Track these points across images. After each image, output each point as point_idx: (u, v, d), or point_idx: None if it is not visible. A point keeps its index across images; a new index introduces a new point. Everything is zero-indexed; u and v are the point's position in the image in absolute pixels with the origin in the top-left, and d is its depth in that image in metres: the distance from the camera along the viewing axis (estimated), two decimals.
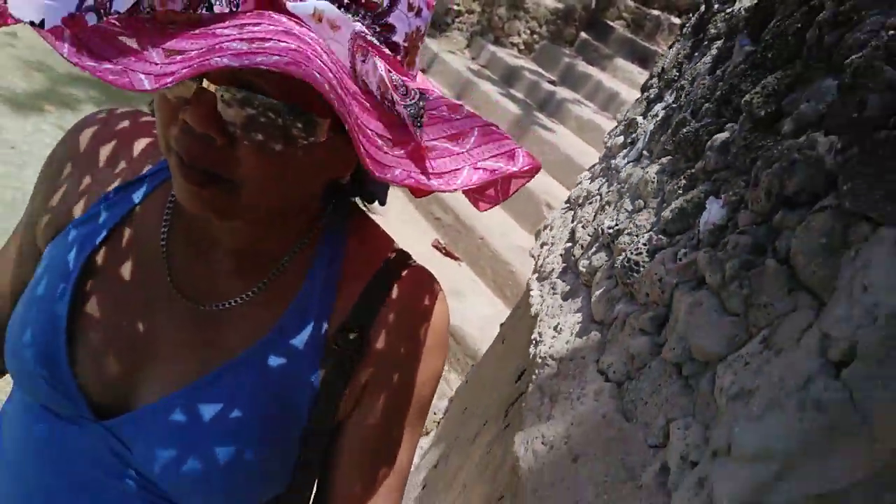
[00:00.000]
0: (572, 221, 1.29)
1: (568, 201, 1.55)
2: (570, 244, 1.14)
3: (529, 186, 3.51)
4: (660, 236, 0.73)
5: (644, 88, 1.42)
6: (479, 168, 0.49)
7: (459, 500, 1.11)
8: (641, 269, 0.72)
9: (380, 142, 0.46)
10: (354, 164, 0.58)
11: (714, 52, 0.95)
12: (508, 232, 3.39)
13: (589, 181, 1.41)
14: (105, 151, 0.68)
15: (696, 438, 0.56)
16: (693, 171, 0.76)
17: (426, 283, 0.65)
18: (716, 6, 1.17)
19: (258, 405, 0.59)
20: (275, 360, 0.60)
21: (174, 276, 0.63)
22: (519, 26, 5.72)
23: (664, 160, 0.90)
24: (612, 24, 6.14)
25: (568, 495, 0.70)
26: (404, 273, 0.64)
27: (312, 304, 0.61)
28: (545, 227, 1.59)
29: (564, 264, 1.11)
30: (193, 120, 0.48)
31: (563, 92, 4.87)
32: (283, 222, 0.62)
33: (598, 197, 1.15)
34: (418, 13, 0.52)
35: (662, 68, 1.31)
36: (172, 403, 0.59)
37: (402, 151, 0.47)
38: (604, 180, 1.25)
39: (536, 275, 1.30)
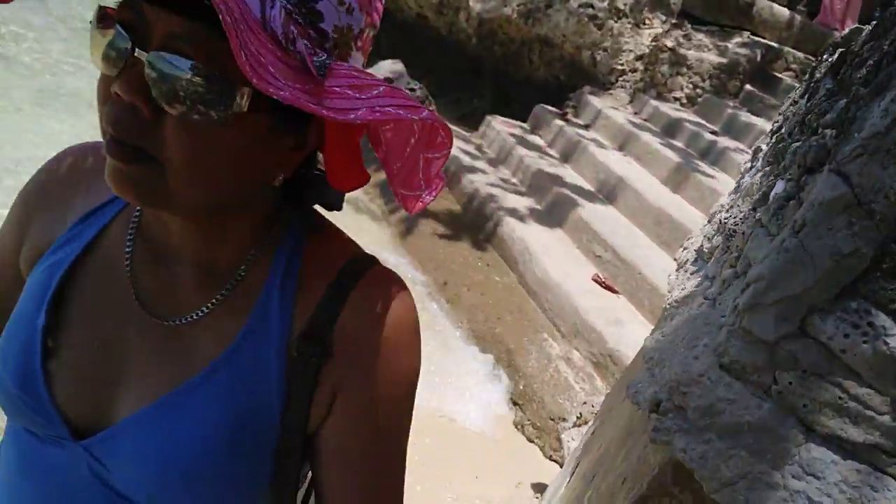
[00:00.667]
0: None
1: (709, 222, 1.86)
2: (700, 241, 1.46)
3: (687, 222, 3.74)
4: (749, 211, 1.06)
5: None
6: (377, 110, 0.49)
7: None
8: (735, 233, 1.05)
9: (271, 69, 0.46)
10: (292, 166, 0.59)
11: (809, 88, 1.27)
12: (667, 267, 3.63)
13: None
14: (83, 180, 0.69)
15: (738, 292, 0.89)
16: (778, 170, 1.09)
17: (385, 283, 0.64)
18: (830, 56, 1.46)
19: (227, 415, 0.59)
20: (240, 370, 0.60)
21: (139, 293, 0.64)
22: (681, 81, 5.97)
23: (766, 168, 1.22)
24: (779, 75, 6.18)
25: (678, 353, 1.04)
26: (363, 276, 0.63)
27: (272, 313, 0.61)
28: (682, 248, 1.91)
29: (695, 256, 1.44)
30: (121, 88, 0.49)
31: (724, 141, 5.02)
32: (230, 227, 0.62)
33: (724, 205, 1.47)
34: (349, 10, 0.53)
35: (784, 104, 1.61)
36: (141, 420, 0.60)
37: (297, 85, 0.47)
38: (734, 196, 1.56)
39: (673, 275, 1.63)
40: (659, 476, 0.87)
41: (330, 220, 0.70)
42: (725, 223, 1.24)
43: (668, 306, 1.33)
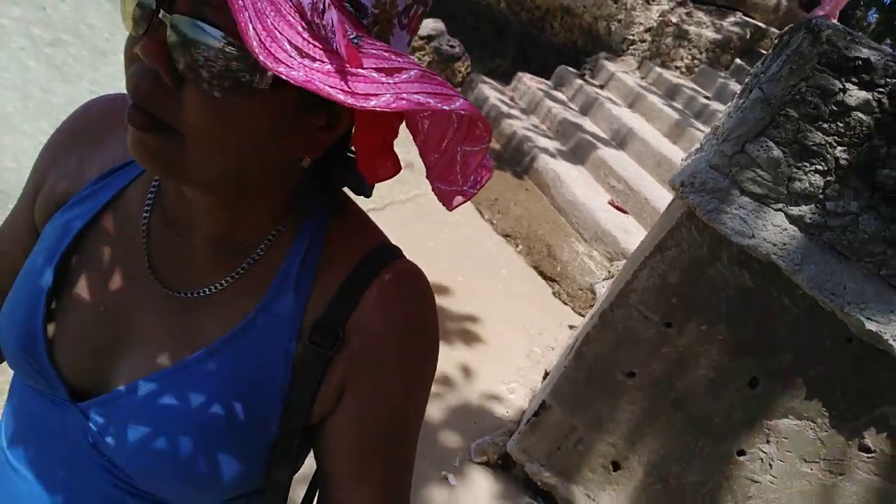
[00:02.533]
0: None
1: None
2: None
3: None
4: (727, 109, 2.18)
5: None
6: (403, 98, 0.44)
7: None
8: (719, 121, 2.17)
9: (287, 44, 0.42)
10: (322, 146, 0.57)
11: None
12: (665, 197, 4.76)
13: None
14: (107, 133, 0.67)
15: (715, 139, 2.00)
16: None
17: (410, 280, 0.63)
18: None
19: (227, 396, 0.58)
20: (246, 352, 0.59)
21: (153, 262, 0.62)
22: (682, 53, 7.03)
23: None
24: (764, 52, 7.25)
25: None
26: (387, 268, 0.62)
27: (287, 297, 0.60)
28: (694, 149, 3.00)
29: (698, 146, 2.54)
30: (142, 50, 0.46)
31: (716, 105, 6.11)
32: (252, 204, 0.60)
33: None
34: None
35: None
36: (141, 389, 0.58)
37: (316, 65, 0.42)
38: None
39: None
40: (677, 222, 1.97)
41: (359, 205, 0.68)
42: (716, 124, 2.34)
43: (683, 159, 2.45)
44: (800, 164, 1.78)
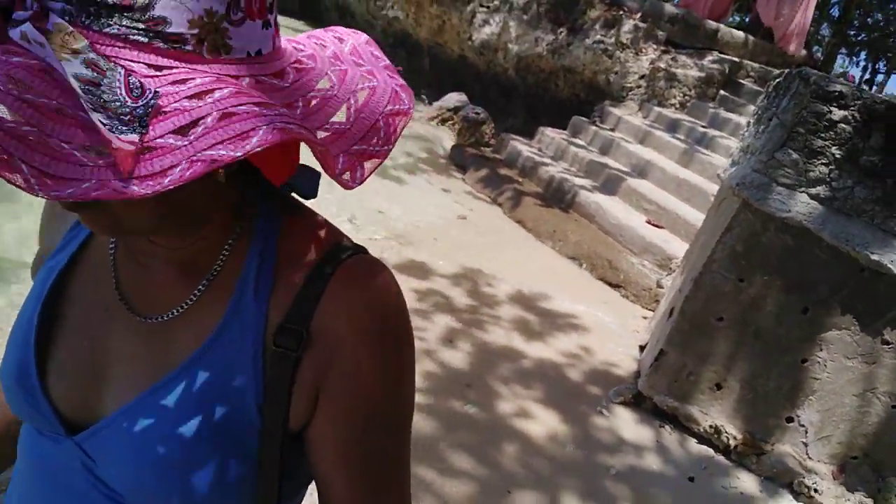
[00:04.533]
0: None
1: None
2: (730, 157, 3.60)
3: (699, 184, 5.91)
4: (751, 132, 3.20)
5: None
6: (197, 161, 0.44)
7: None
8: (746, 143, 3.18)
9: (77, 153, 0.43)
10: (223, 173, 0.57)
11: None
12: (690, 212, 5.81)
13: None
14: None
15: (750, 151, 3.01)
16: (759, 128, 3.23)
17: (366, 271, 0.63)
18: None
19: (203, 411, 0.59)
20: (217, 365, 0.60)
21: (122, 292, 0.65)
22: (675, 92, 8.21)
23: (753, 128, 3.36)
24: (742, 81, 8.45)
25: None
26: (344, 263, 0.62)
27: (248, 306, 0.61)
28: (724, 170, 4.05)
29: (731, 161, 3.57)
30: None
31: (711, 132, 7.24)
32: (197, 228, 0.61)
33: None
34: None
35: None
36: (123, 416, 0.60)
37: (110, 159, 0.43)
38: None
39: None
40: (737, 210, 2.95)
41: (307, 205, 0.69)
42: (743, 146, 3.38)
43: (719, 174, 3.46)
44: (811, 161, 2.82)
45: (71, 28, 0.43)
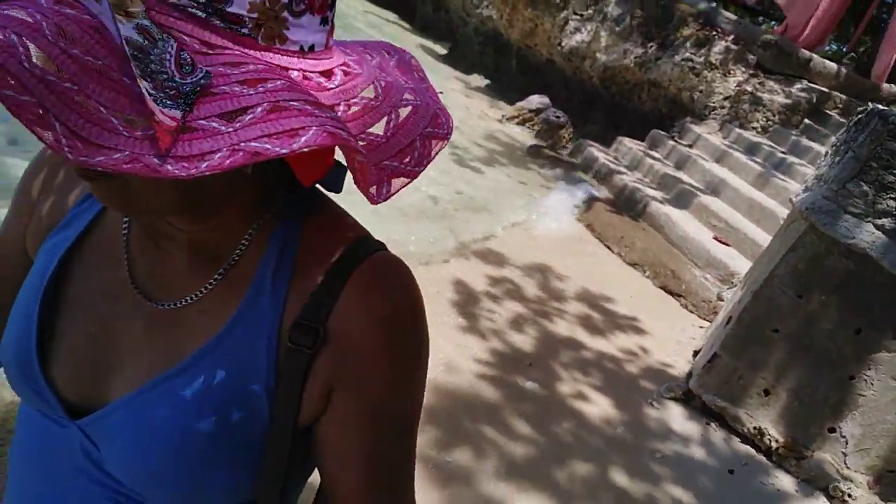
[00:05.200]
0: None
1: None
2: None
3: (771, 208, 6.05)
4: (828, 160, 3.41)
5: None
6: (239, 150, 0.42)
7: None
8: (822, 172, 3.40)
9: (115, 120, 0.41)
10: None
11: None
12: (758, 232, 5.95)
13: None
14: None
15: (822, 180, 3.22)
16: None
17: (387, 271, 0.62)
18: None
19: (213, 402, 0.58)
20: (229, 357, 0.59)
21: (134, 276, 0.64)
22: (758, 115, 8.28)
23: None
24: (829, 112, 8.44)
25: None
26: (364, 261, 0.61)
27: (265, 299, 0.60)
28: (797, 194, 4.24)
29: (805, 187, 3.77)
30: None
31: (791, 158, 7.31)
32: (217, 214, 0.60)
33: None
34: None
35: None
36: (128, 403, 0.60)
37: (148, 132, 0.42)
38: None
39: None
40: (803, 232, 3.17)
41: (333, 200, 0.67)
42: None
43: (791, 199, 3.68)
44: (880, 194, 3.03)
45: None
